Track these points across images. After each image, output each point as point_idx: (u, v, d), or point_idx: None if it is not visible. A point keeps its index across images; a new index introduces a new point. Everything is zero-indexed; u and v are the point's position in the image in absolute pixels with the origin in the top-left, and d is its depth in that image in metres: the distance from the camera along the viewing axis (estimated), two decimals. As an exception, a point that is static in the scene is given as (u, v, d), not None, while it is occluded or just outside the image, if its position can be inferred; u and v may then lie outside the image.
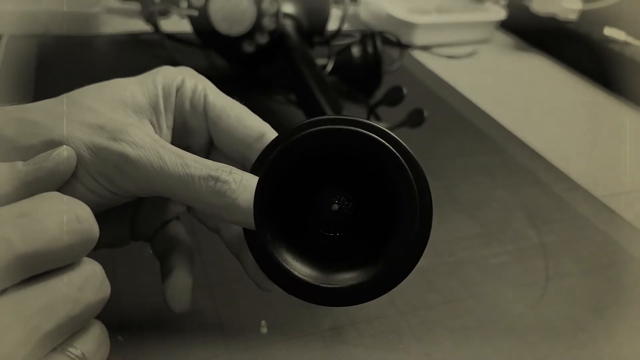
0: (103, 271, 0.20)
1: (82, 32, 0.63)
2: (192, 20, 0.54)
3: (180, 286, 0.26)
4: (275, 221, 0.22)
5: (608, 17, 0.76)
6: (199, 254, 0.35)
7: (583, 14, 0.79)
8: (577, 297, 0.35)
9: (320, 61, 0.58)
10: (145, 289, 0.32)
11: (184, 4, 0.55)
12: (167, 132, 0.26)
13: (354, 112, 0.54)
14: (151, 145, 0.22)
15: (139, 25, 0.66)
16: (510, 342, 0.32)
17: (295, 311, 0.32)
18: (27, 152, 0.21)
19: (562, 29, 0.78)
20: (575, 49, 0.76)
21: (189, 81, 0.26)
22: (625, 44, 0.72)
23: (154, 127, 0.25)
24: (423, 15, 0.76)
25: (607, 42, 0.72)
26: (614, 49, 0.70)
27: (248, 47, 0.54)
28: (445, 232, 0.40)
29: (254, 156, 0.24)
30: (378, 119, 0.51)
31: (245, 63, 0.58)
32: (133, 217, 0.28)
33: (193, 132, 0.26)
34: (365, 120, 0.23)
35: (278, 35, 0.55)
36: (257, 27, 0.53)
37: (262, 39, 0.55)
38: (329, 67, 0.58)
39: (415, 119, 0.40)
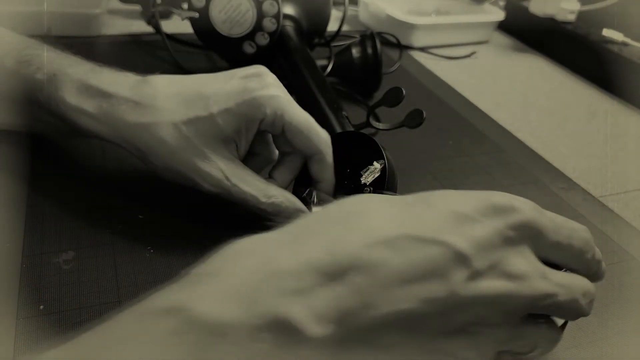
0: None
1: (83, 33, 0.63)
2: (193, 21, 0.55)
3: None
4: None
5: (606, 18, 0.76)
6: (201, 254, 0.35)
7: (581, 15, 0.79)
8: (576, 296, 0.35)
9: (320, 62, 0.58)
10: (145, 288, 0.32)
11: (185, 6, 0.55)
12: (244, 146, 0.34)
13: (354, 112, 0.54)
14: (227, 187, 0.33)
15: (141, 27, 0.67)
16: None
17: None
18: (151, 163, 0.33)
19: (561, 30, 0.78)
20: (573, 50, 0.77)
21: (269, 112, 0.33)
22: (623, 44, 0.72)
23: (236, 145, 0.34)
24: (422, 17, 0.76)
25: (605, 43, 0.72)
26: (612, 50, 0.70)
27: (249, 48, 0.55)
28: (444, 231, 0.40)
29: (311, 162, 0.35)
30: (377, 119, 0.52)
31: (245, 64, 0.58)
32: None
33: (268, 144, 0.37)
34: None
35: (278, 37, 0.55)
36: (257, 28, 0.54)
37: (263, 40, 0.55)
38: (329, 68, 0.58)
39: (415, 119, 0.41)
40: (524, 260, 0.22)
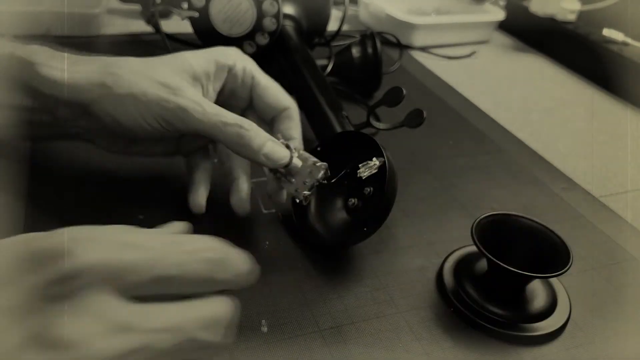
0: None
1: (83, 32, 0.63)
2: (193, 21, 0.55)
3: (239, 196, 0.36)
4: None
5: (606, 18, 0.76)
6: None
7: (581, 15, 0.79)
8: (576, 297, 0.35)
9: (320, 62, 0.58)
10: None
11: (185, 5, 0.55)
12: (212, 94, 0.36)
13: (354, 112, 0.54)
14: (198, 100, 0.32)
15: (140, 26, 0.67)
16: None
17: (295, 310, 0.32)
18: (117, 99, 0.31)
19: (561, 29, 0.78)
20: (573, 49, 0.77)
21: (240, 63, 0.36)
22: (624, 44, 0.72)
23: (203, 89, 0.34)
24: (422, 16, 0.76)
25: (605, 43, 0.72)
26: (612, 50, 0.70)
27: (249, 48, 0.55)
28: (444, 231, 0.40)
29: (278, 121, 0.37)
30: (378, 119, 0.52)
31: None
32: (178, 140, 0.37)
33: (238, 98, 0.37)
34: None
35: (278, 36, 0.55)
36: (257, 28, 0.54)
37: (263, 40, 0.55)
38: (329, 68, 0.58)
39: (415, 119, 0.41)
40: (84, 320, 0.17)
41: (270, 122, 0.38)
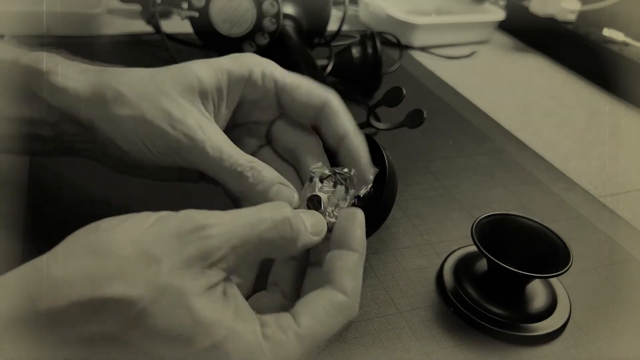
0: None
1: (83, 33, 0.63)
2: (193, 21, 0.55)
3: None
4: None
5: (606, 18, 0.76)
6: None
7: (581, 15, 0.79)
8: (576, 297, 0.35)
9: (320, 62, 0.58)
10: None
11: (185, 5, 0.55)
12: (225, 113, 0.30)
13: (354, 112, 0.54)
14: (202, 140, 0.27)
15: (140, 26, 0.67)
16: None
17: (296, 310, 0.32)
18: (116, 120, 0.27)
19: (561, 29, 0.78)
20: (573, 49, 0.77)
21: (257, 68, 0.30)
22: (624, 44, 0.72)
23: (214, 108, 0.29)
24: (422, 16, 0.76)
25: (605, 43, 0.72)
26: (612, 50, 0.70)
27: (249, 48, 0.55)
28: (444, 231, 0.40)
29: (322, 120, 0.30)
30: (378, 119, 0.52)
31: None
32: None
33: (263, 110, 0.31)
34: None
35: (278, 36, 0.55)
36: (257, 28, 0.54)
37: (263, 40, 0.55)
38: (329, 68, 0.58)
39: (415, 119, 0.41)
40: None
41: (312, 121, 0.31)
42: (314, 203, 0.27)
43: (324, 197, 0.27)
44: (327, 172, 0.28)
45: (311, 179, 0.27)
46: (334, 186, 0.28)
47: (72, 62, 0.29)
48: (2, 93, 0.29)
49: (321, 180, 0.27)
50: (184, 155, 0.28)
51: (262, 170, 0.27)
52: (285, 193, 0.27)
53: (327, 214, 0.27)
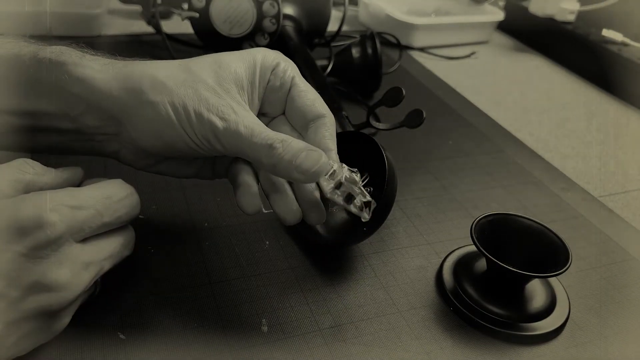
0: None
1: (84, 33, 0.63)
2: (193, 21, 0.55)
3: (249, 192, 0.32)
4: None
5: (606, 19, 0.76)
6: (201, 254, 0.35)
7: (581, 16, 0.79)
8: (575, 297, 0.35)
9: (320, 62, 0.58)
10: (146, 288, 0.32)
11: (186, 6, 0.55)
12: (257, 103, 0.33)
13: (354, 112, 0.54)
14: (235, 120, 0.29)
15: (141, 27, 0.67)
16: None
17: (295, 310, 0.32)
18: (152, 106, 0.29)
19: (560, 30, 0.78)
20: (573, 50, 0.77)
21: (283, 63, 0.33)
22: (623, 45, 0.72)
23: (248, 97, 0.31)
24: (422, 17, 0.76)
25: (604, 43, 0.72)
26: (611, 50, 0.70)
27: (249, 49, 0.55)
28: (444, 231, 0.40)
29: (311, 129, 0.32)
30: (377, 119, 0.52)
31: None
32: (213, 162, 0.35)
33: (274, 104, 0.33)
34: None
35: (278, 37, 0.55)
36: (257, 28, 0.54)
37: (263, 41, 0.55)
38: (329, 68, 0.58)
39: (415, 119, 0.41)
40: (66, 266, 0.25)
41: (303, 129, 0.33)
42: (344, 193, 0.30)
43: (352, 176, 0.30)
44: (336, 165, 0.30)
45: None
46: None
47: (94, 55, 0.31)
48: (9, 87, 0.30)
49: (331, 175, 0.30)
50: (219, 137, 0.29)
51: (291, 142, 0.29)
52: (313, 155, 0.29)
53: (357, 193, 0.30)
